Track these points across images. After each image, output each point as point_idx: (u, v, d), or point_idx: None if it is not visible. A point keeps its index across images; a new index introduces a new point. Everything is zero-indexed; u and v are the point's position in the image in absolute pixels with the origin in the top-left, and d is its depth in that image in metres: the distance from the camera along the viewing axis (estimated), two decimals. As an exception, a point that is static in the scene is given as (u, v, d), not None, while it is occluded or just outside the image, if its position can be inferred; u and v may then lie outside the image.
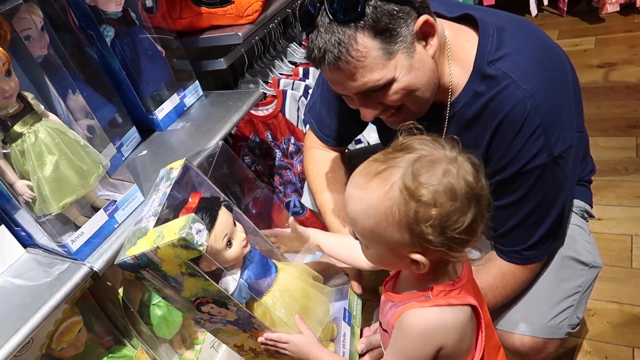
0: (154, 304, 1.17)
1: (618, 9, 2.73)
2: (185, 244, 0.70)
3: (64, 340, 0.98)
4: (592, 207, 1.16)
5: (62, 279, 0.93)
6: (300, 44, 1.83)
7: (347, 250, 0.93)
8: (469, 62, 0.91)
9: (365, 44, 0.81)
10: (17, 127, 0.90)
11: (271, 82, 1.68)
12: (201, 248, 0.71)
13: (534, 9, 2.96)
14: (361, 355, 0.93)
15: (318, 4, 0.82)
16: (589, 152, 1.16)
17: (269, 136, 1.68)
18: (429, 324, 0.67)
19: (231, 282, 0.84)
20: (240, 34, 1.41)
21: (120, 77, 1.27)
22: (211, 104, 1.43)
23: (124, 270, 0.78)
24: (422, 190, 0.62)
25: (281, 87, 1.65)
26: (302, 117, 1.68)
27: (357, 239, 0.72)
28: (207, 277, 0.76)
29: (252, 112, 1.66)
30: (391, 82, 0.85)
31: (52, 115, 0.97)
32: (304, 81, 1.66)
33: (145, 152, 1.28)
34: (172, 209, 0.82)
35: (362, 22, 0.80)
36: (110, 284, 1.05)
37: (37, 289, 0.93)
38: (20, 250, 1.04)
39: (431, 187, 0.62)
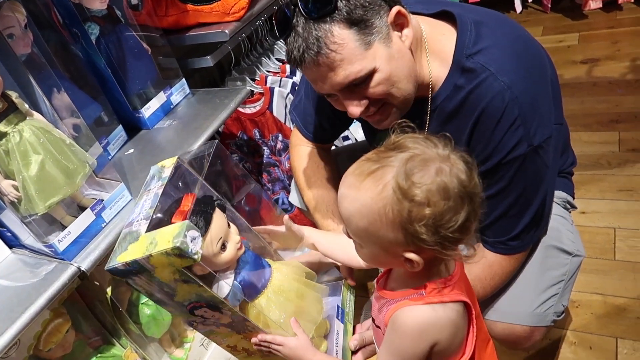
0: (142, 303, 1.17)
1: (601, 5, 2.76)
2: (179, 252, 0.68)
3: (52, 341, 0.97)
4: (574, 198, 1.19)
5: (49, 279, 0.93)
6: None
7: (342, 249, 0.93)
8: (448, 56, 0.93)
9: (342, 35, 0.83)
10: (1, 127, 0.89)
11: (258, 79, 1.68)
12: (196, 257, 0.69)
13: (518, 6, 2.99)
14: (354, 352, 0.94)
15: (292, 7, 0.84)
16: (570, 145, 1.19)
17: (257, 134, 1.68)
18: (423, 322, 0.68)
19: (225, 285, 0.83)
20: (226, 31, 1.41)
21: (105, 75, 1.26)
22: (198, 101, 1.42)
23: (114, 275, 0.76)
24: (415, 189, 0.62)
25: (268, 85, 1.65)
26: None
27: (351, 238, 0.72)
28: (201, 284, 0.74)
29: (240, 109, 1.65)
30: (372, 73, 0.86)
31: (36, 114, 0.96)
32: (292, 78, 1.66)
33: (132, 150, 1.28)
34: (165, 212, 0.79)
35: (336, 15, 0.82)
36: (98, 283, 1.05)
37: (24, 289, 0.92)
38: (5, 251, 1.03)
39: (424, 187, 0.62)
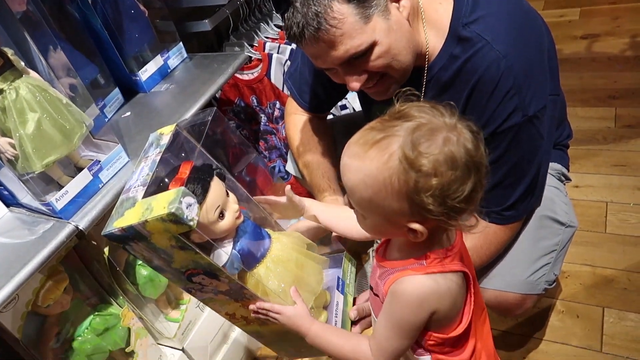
0: (139, 264, 1.18)
1: (603, -20, 2.73)
2: (174, 218, 0.67)
3: (50, 297, 0.98)
4: (568, 170, 1.20)
5: (47, 237, 0.94)
6: (285, 8, 1.80)
7: (343, 221, 0.93)
8: (445, 25, 0.92)
9: (341, 10, 0.82)
10: (-2, 83, 0.89)
11: (256, 45, 1.66)
12: (191, 223, 0.69)
13: (521, -21, 2.95)
14: (354, 323, 0.95)
15: None
16: (566, 117, 1.19)
17: (254, 100, 1.67)
18: (424, 291, 0.68)
19: (223, 253, 0.82)
20: (225, -6, 1.39)
21: (102, 36, 1.24)
22: (195, 66, 1.41)
23: (111, 241, 0.76)
24: (422, 159, 0.61)
25: (267, 51, 1.64)
26: (286, 82, 1.67)
27: (353, 208, 0.72)
28: (197, 250, 0.73)
29: (237, 75, 1.64)
30: (372, 46, 0.86)
31: (33, 72, 0.95)
32: (290, 45, 1.64)
33: (129, 113, 1.27)
34: (162, 179, 0.79)
35: None
36: (95, 243, 1.06)
37: (22, 246, 0.93)
38: (3, 209, 1.04)
39: (432, 157, 0.61)
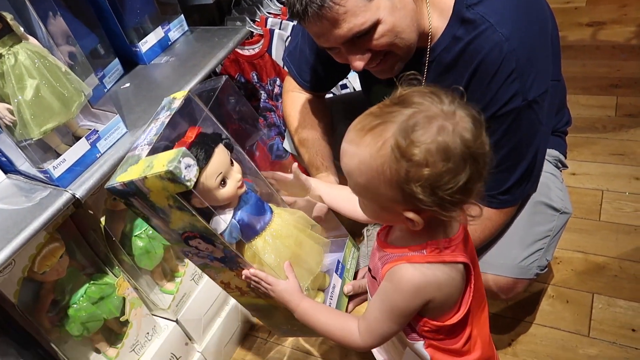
0: (135, 236, 1.19)
1: (612, -33, 2.69)
2: (172, 177, 0.69)
3: (46, 264, 0.99)
4: (566, 157, 1.21)
5: (44, 204, 0.94)
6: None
7: (348, 202, 0.93)
8: (448, 6, 0.92)
9: None
10: (-4, 48, 0.88)
11: (258, 20, 1.65)
12: (188, 183, 0.70)
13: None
14: (349, 300, 0.96)
15: None
16: (566, 104, 1.19)
17: (255, 77, 1.67)
18: (420, 281, 0.68)
19: (222, 221, 0.83)
20: (227, -33, 1.37)
21: (103, 6, 1.23)
22: (196, 39, 1.40)
23: (113, 195, 0.77)
24: (413, 149, 0.60)
25: (268, 26, 1.62)
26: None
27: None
28: (194, 213, 0.74)
29: (238, 50, 1.63)
30: (376, 24, 0.85)
31: (32, 39, 0.94)
32: (292, 21, 1.63)
33: (128, 84, 1.27)
34: (168, 141, 0.80)
35: None
36: (92, 212, 1.06)
37: (19, 213, 0.93)
38: (1, 175, 1.04)
39: (423, 146, 0.60)
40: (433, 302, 0.70)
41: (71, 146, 0.99)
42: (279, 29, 1.63)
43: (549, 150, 1.13)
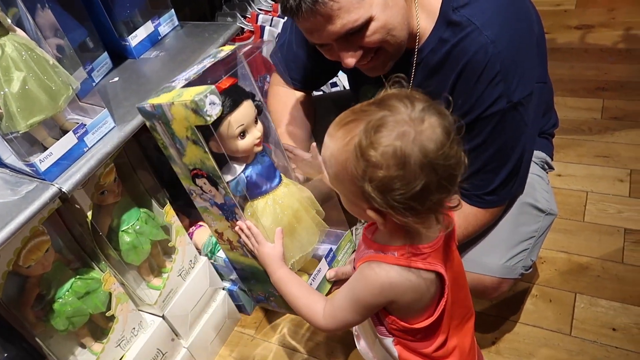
0: (122, 231, 1.18)
1: (602, -29, 2.72)
2: (195, 107, 0.74)
3: (32, 258, 0.99)
4: (552, 159, 1.22)
5: (30, 197, 0.93)
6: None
7: None
8: (435, 8, 0.93)
9: None
10: (-18, 40, 0.87)
11: (249, 17, 1.64)
12: (208, 118, 0.75)
13: (520, -35, 2.93)
14: (334, 285, 0.97)
15: None
16: (553, 107, 1.20)
17: (245, 73, 1.66)
18: (385, 281, 0.70)
19: (232, 171, 0.88)
20: (219, -38, 1.37)
21: (92, -2, 1.22)
22: (187, 34, 1.39)
23: (142, 115, 0.86)
24: (371, 150, 0.61)
25: (259, 23, 1.62)
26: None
27: None
28: (206, 150, 0.80)
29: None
30: (369, 21, 0.85)
31: (19, 31, 0.93)
32: (283, 18, 1.63)
33: (117, 79, 1.26)
34: (203, 81, 0.84)
35: None
36: (79, 207, 1.06)
37: (4, 206, 0.93)
38: (-14, 168, 1.03)
39: (380, 149, 0.61)
40: (397, 303, 0.72)
41: (58, 140, 0.98)
42: (270, 25, 1.63)
43: (535, 152, 1.15)
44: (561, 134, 1.48)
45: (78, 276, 1.10)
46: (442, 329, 0.77)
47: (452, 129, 0.63)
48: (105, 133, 1.06)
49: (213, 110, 0.76)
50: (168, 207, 1.24)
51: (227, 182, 0.86)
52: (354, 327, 0.92)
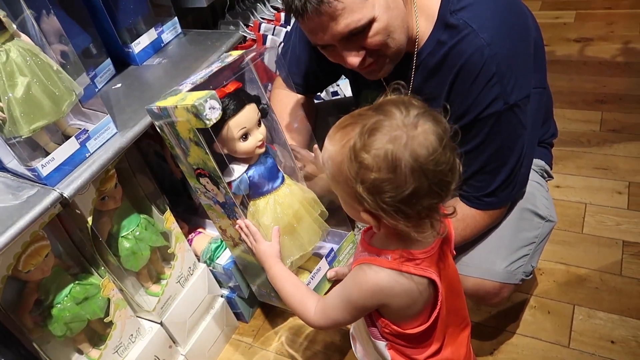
0: (122, 237, 1.18)
1: (601, -16, 2.75)
2: (195, 111, 0.78)
3: (31, 263, 0.99)
4: (551, 168, 1.23)
5: (31, 202, 0.94)
6: (283, -10, 1.79)
7: None
8: (434, 12, 0.94)
9: None
10: (-12, 45, 0.88)
11: (252, 25, 1.65)
12: (207, 122, 0.79)
13: (520, -22, 2.95)
14: (332, 285, 0.99)
15: None
16: (552, 116, 1.22)
17: (246, 81, 1.67)
18: (377, 284, 0.71)
19: (235, 171, 0.91)
20: (222, -29, 1.38)
21: (96, 5, 1.23)
22: (189, 42, 1.40)
23: (150, 116, 0.91)
24: (364, 153, 0.63)
25: (262, 32, 1.63)
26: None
27: None
28: (207, 151, 0.84)
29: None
30: (371, 22, 0.87)
31: (24, 36, 0.94)
32: (286, 27, 1.64)
33: (119, 85, 1.27)
34: (209, 85, 0.88)
35: None
36: (79, 212, 1.06)
37: (5, 210, 0.93)
38: (-13, 172, 1.03)
39: (373, 152, 0.63)
40: (389, 306, 0.73)
41: (60, 145, 0.99)
42: (272, 34, 1.64)
43: (535, 160, 1.16)
44: (560, 145, 1.50)
45: (77, 282, 1.10)
46: (435, 336, 0.78)
47: (446, 136, 0.65)
48: (107, 139, 1.06)
49: (212, 115, 0.79)
50: (168, 214, 1.24)
51: (230, 182, 0.90)
52: (351, 329, 0.93)
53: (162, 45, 1.39)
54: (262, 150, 0.93)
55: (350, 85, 1.25)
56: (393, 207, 0.64)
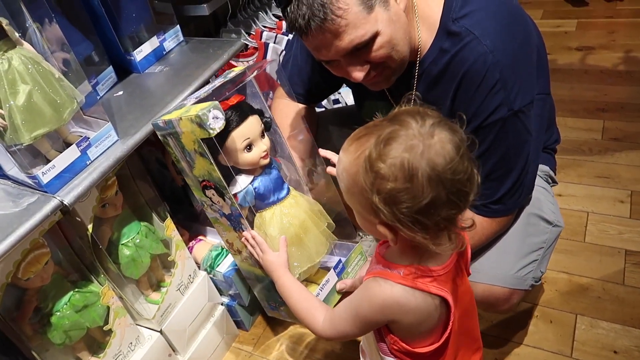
0: (122, 244, 1.18)
1: (602, -7, 2.76)
2: (199, 121, 0.79)
3: (31, 270, 0.98)
4: (555, 173, 1.23)
5: (31, 209, 0.93)
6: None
7: None
8: (435, 20, 0.94)
9: (346, 0, 0.83)
10: (-10, 52, 0.88)
11: (254, 33, 1.66)
12: (211, 131, 0.79)
13: (521, -14, 2.97)
14: (341, 297, 0.98)
15: None
16: (555, 122, 1.22)
17: (248, 89, 1.68)
18: (387, 299, 0.69)
19: (240, 183, 0.92)
20: (224, -21, 1.38)
21: (98, 13, 1.23)
22: (191, 50, 1.41)
23: (156, 130, 0.92)
24: (379, 163, 0.62)
25: (263, 40, 1.64)
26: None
27: None
28: (212, 162, 0.84)
29: (233, 62, 1.64)
30: (375, 36, 0.87)
31: (26, 44, 0.94)
32: (287, 35, 1.65)
33: (121, 92, 1.27)
34: (213, 98, 0.89)
35: None
36: (80, 219, 1.06)
37: (5, 217, 0.93)
38: (-12, 180, 1.03)
39: (389, 161, 0.62)
40: (398, 323, 0.71)
41: (61, 152, 0.99)
42: (274, 42, 1.64)
43: (539, 166, 1.16)
44: (562, 154, 1.49)
45: (76, 289, 1.09)
46: (446, 357, 0.76)
47: (463, 145, 0.63)
48: (108, 146, 1.06)
49: (216, 124, 0.80)
50: (168, 221, 1.24)
51: (236, 193, 0.90)
52: (361, 342, 0.91)
53: (164, 53, 1.39)
54: (267, 161, 0.93)
55: (353, 96, 1.25)
56: (410, 218, 0.62)
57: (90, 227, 1.07)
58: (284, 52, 1.64)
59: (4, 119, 0.91)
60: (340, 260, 1.00)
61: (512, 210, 1.06)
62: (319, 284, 0.97)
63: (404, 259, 0.71)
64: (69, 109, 0.97)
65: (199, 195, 0.96)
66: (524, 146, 0.98)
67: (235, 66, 1.65)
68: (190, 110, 0.83)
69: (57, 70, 0.98)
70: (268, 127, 0.94)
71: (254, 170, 0.93)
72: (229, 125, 0.84)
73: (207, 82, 1.57)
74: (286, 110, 1.25)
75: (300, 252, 0.94)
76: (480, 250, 1.10)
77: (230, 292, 1.45)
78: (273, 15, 1.75)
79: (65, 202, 0.95)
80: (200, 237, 1.50)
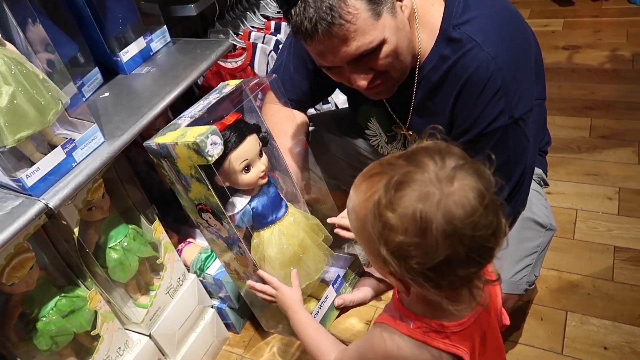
0: (110, 247, 1.17)
1: (588, -7, 2.79)
2: (197, 149, 0.76)
3: (15, 275, 0.97)
4: (547, 175, 1.23)
5: (15, 213, 0.92)
6: (273, -2, 1.79)
7: None
8: (436, 26, 0.93)
9: (355, 4, 0.81)
10: (-29, 53, 0.86)
11: (242, 34, 1.65)
12: (210, 158, 0.77)
13: (508, -14, 2.98)
14: (341, 311, 0.97)
15: None
16: (546, 125, 1.22)
17: (236, 90, 1.66)
18: (391, 350, 0.65)
19: (237, 204, 0.89)
20: (212, -21, 1.37)
21: (84, 13, 1.22)
22: (179, 50, 1.40)
23: (149, 153, 0.87)
24: (389, 212, 0.55)
25: (252, 40, 1.63)
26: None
27: None
28: (209, 187, 0.81)
29: (221, 63, 1.63)
30: (382, 44, 0.86)
31: (9, 45, 0.93)
32: (276, 36, 1.64)
33: (107, 94, 1.25)
34: (209, 118, 0.86)
35: None
36: (65, 223, 1.04)
37: (-12, 222, 0.91)
38: (-29, 183, 1.01)
39: (399, 210, 0.54)
40: None
41: (46, 155, 0.97)
42: (262, 42, 1.63)
43: None
44: (550, 152, 1.50)
45: (63, 294, 1.08)
46: None
47: (489, 194, 0.55)
48: (94, 148, 1.04)
49: (214, 150, 0.77)
50: (157, 224, 1.22)
51: (234, 214, 0.88)
52: None
53: (151, 54, 1.38)
54: (265, 180, 0.90)
55: (348, 101, 1.24)
56: (421, 274, 0.55)
57: (76, 230, 1.05)
58: (272, 52, 1.63)
59: (-14, 121, 0.89)
60: (338, 275, 0.99)
61: (510, 216, 1.06)
62: (318, 299, 0.96)
63: (418, 308, 0.65)
64: (53, 111, 0.96)
65: (195, 217, 0.92)
66: (523, 153, 0.97)
67: (223, 67, 1.64)
68: (186, 134, 0.79)
69: (42, 71, 0.96)
70: (265, 143, 0.91)
71: (251, 190, 0.90)
72: (227, 147, 0.80)
73: (195, 85, 1.56)
74: (276, 114, 1.24)
75: (299, 271, 0.92)
76: None
77: (221, 295, 1.44)
78: (261, 15, 1.74)
79: (50, 205, 0.94)
80: (189, 240, 1.48)
